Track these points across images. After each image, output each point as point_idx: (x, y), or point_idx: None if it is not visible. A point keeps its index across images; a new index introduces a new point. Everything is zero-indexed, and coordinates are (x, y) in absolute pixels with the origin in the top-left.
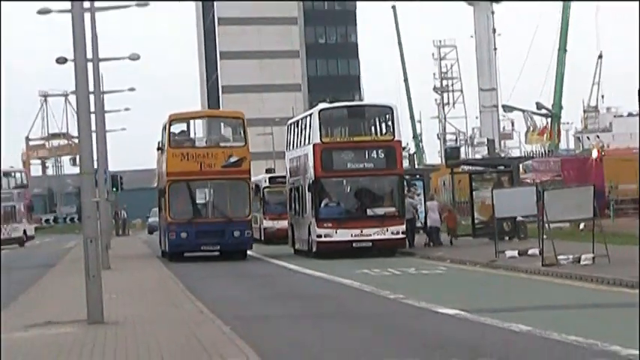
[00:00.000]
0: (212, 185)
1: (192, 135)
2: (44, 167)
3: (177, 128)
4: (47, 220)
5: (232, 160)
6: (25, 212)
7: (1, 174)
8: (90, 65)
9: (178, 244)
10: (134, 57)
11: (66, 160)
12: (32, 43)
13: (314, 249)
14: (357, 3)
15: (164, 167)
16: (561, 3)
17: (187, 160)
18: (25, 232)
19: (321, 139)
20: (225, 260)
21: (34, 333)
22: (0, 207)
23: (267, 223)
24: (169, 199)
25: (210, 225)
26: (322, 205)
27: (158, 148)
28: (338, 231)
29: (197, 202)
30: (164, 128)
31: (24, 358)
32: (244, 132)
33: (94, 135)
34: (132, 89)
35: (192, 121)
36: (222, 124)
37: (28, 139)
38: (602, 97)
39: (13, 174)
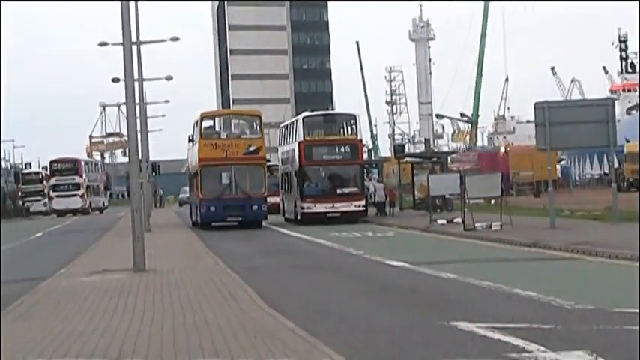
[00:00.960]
0: (235, 169)
1: (218, 129)
2: (102, 157)
3: (206, 124)
4: None
5: (251, 149)
6: (103, 190)
7: (84, 163)
8: (136, 83)
9: (208, 216)
10: (169, 77)
11: (119, 152)
12: (94, 66)
13: (299, 218)
14: (331, 39)
15: (196, 154)
16: (479, 38)
17: (215, 149)
18: (103, 203)
19: (304, 138)
20: (240, 228)
21: (94, 278)
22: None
23: None
24: (201, 180)
25: (234, 201)
26: (305, 186)
27: (190, 140)
28: (316, 205)
29: (223, 182)
30: (196, 124)
31: (88, 295)
32: (260, 127)
33: (139, 134)
34: (167, 101)
35: (218, 118)
36: (242, 121)
37: (91, 137)
38: (508, 108)
39: (97, 163)
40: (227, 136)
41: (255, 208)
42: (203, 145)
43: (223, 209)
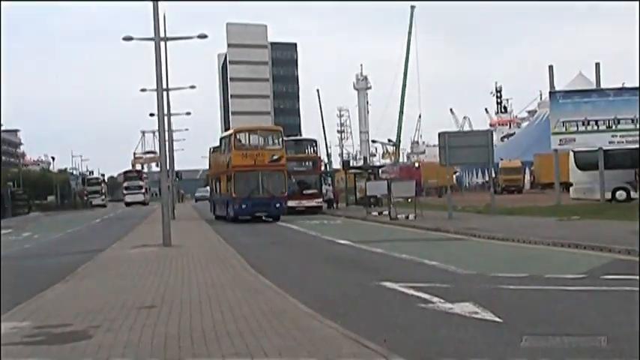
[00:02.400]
0: (262, 174)
1: (248, 141)
2: (142, 168)
3: (239, 137)
4: None
5: (274, 157)
6: (148, 190)
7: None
8: (165, 118)
9: (240, 212)
10: (188, 113)
11: (154, 164)
12: (137, 104)
13: None
14: (300, 88)
15: (229, 162)
16: (400, 88)
17: (246, 157)
18: (149, 199)
19: None
20: (242, 220)
21: (136, 250)
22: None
23: None
24: (235, 182)
25: (261, 199)
26: None
27: (213, 151)
28: (289, 201)
29: (252, 184)
30: (228, 137)
31: (133, 261)
32: (282, 140)
33: (167, 152)
34: (187, 129)
35: (248, 133)
36: (267, 135)
37: (134, 154)
38: (421, 136)
39: (147, 172)
40: (255, 147)
41: (277, 205)
42: (236, 154)
43: (252, 206)
